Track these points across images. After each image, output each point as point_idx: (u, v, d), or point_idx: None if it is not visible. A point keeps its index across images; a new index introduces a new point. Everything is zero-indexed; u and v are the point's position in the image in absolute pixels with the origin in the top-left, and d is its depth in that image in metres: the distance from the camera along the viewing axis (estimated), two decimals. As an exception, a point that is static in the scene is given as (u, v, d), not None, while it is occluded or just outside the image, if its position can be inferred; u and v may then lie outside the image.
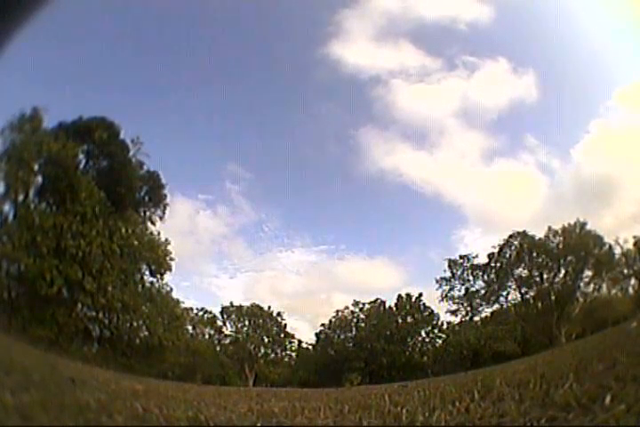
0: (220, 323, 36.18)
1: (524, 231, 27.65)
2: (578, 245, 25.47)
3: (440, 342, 42.65)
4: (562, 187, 39.59)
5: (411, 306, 44.19)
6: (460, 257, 29.85)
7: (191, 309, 35.71)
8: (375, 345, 42.12)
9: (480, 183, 41.45)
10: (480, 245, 41.44)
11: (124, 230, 21.46)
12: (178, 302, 25.92)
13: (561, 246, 26.03)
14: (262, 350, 36.88)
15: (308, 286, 44.66)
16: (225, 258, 47.22)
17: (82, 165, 22.28)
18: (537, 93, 38.49)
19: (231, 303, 37.28)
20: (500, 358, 35.06)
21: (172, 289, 24.11)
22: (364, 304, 45.33)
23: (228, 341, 35.27)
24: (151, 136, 37.29)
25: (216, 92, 39.73)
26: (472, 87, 41.55)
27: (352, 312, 45.18)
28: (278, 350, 38.00)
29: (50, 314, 18.55)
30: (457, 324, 37.34)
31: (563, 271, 25.99)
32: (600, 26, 33.32)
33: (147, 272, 23.04)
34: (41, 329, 18.48)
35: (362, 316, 45.03)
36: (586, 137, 36.59)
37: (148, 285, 22.89)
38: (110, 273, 19.71)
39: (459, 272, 29.55)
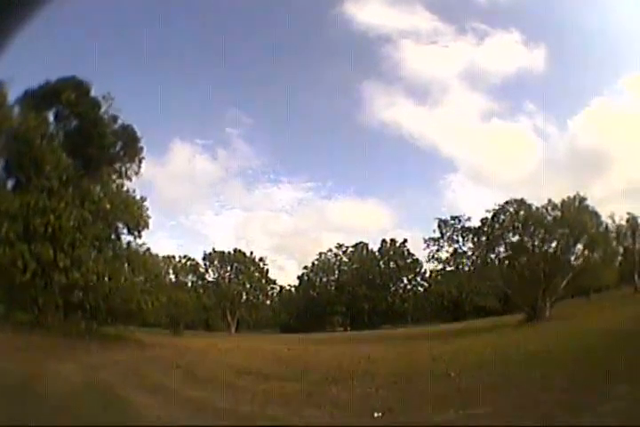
0: (202, 270, 36.00)
1: (522, 199, 26.77)
2: (574, 222, 24.76)
3: (422, 290, 43.01)
4: (556, 152, 40.60)
5: (394, 252, 44.23)
6: (452, 218, 28.88)
7: (173, 257, 36.02)
8: (357, 290, 42.32)
9: (475, 139, 43.97)
10: (470, 196, 41.79)
11: (95, 195, 20.47)
12: (156, 259, 25.28)
13: (558, 220, 25.33)
14: (244, 296, 36.70)
15: (296, 224, 44.79)
16: (214, 197, 47.77)
17: (51, 128, 20.71)
18: (544, 66, 38.96)
19: (214, 249, 37.43)
20: (480, 313, 35.46)
21: (148, 249, 23.41)
22: (347, 247, 45.43)
23: (210, 288, 35.03)
24: (151, 84, 36.65)
25: (224, 41, 40.69)
26: (480, 53, 42.50)
27: (335, 255, 45.26)
28: (260, 296, 37.85)
29: (29, 298, 17.79)
30: (440, 273, 36.89)
31: (555, 243, 25.43)
32: (621, 11, 31.79)
33: (125, 230, 22.21)
34: (23, 314, 17.94)
35: (345, 259, 45.16)
36: (585, 111, 38.42)
37: (124, 246, 22.08)
38: (83, 243, 18.67)
39: (448, 233, 28.70)
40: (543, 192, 32.40)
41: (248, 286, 36.90)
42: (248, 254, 37.87)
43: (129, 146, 22.27)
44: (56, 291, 17.95)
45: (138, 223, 22.22)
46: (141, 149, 23.00)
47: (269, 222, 44.46)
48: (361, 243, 44.99)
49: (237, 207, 49.27)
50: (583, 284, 27.51)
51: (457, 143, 43.95)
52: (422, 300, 41.93)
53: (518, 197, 26.36)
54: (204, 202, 48.03)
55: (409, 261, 43.51)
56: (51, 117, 21.12)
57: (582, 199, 26.21)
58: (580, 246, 25.97)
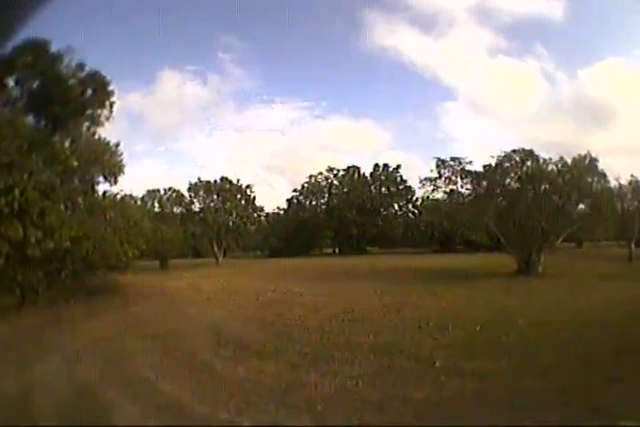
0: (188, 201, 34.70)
1: (531, 150, 24.87)
2: (581, 182, 23.37)
3: (413, 217, 42.41)
4: (561, 96, 38.78)
5: (387, 177, 43.24)
6: (452, 159, 27.11)
7: (158, 190, 34.68)
8: (346, 215, 41.65)
9: (478, 72, 43.48)
10: (468, 124, 40.41)
11: (63, 153, 18.50)
12: (135, 204, 24.26)
13: (564, 174, 23.88)
14: (230, 225, 35.76)
15: (289, 143, 43.57)
16: (205, 121, 46.38)
17: (15, 94, 18.30)
18: (562, 16, 38.54)
19: (199, 179, 35.62)
20: (470, 247, 35.15)
21: (126, 195, 22.24)
22: (338, 171, 44.31)
23: (196, 218, 33.92)
24: (141, 11, 34.47)
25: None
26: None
27: (326, 178, 44.21)
28: (247, 223, 36.91)
29: (8, 279, 16.70)
30: (433, 203, 35.86)
31: (557, 198, 24.12)
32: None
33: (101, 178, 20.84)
34: (7, 297, 16.93)
35: (335, 182, 44.11)
36: (598, 65, 38.48)
37: (100, 197, 20.78)
38: (53, 209, 17.14)
39: (447, 173, 27.16)
40: (543, 133, 31.15)
41: (234, 214, 35.80)
42: (235, 182, 36.21)
43: (98, 92, 20.03)
44: (33, 265, 16.81)
45: (112, 172, 20.77)
46: (112, 92, 20.91)
47: (261, 142, 43.07)
48: (353, 167, 43.99)
49: (229, 128, 47.61)
50: (578, 236, 27.09)
51: (459, 74, 42.43)
52: (412, 228, 41.43)
53: (517, 131, 24.92)
54: (195, 126, 46.59)
55: (401, 187, 42.76)
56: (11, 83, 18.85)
57: (593, 159, 24.59)
58: (582, 206, 24.83)
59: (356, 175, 43.81)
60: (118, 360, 14.27)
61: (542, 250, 24.03)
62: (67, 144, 19.48)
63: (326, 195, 43.85)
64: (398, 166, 42.97)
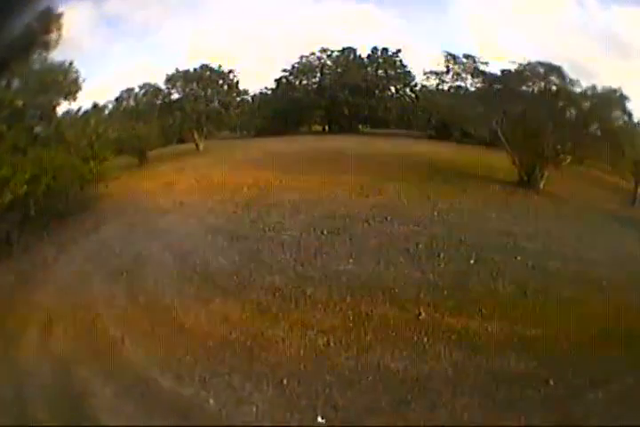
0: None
1: (559, 67, 21.95)
2: (606, 115, 21.58)
3: (410, 101, 39.46)
4: (590, 21, 32.52)
5: (385, 60, 39.44)
6: (465, 56, 24.37)
7: (132, 89, 32.12)
8: (338, 95, 39.11)
9: None
10: (479, 22, 35.39)
11: (8, 98, 18.08)
12: (98, 121, 23.14)
13: (593, 103, 21.55)
14: (211, 111, 33.87)
15: (281, 27, 38.62)
16: (189, 11, 41.09)
17: None
18: None
19: (177, 69, 32.46)
20: (466, 139, 33.34)
21: (94, 106, 21.55)
22: (332, 51, 40.08)
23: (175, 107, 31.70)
24: None
25: None
26: None
27: (318, 58, 40.25)
28: (229, 108, 34.92)
29: None
30: (434, 91, 33.34)
31: (575, 120, 21.99)
32: None
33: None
34: None
35: (328, 63, 40.28)
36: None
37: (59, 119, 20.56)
38: (4, 159, 16.69)
39: (456, 69, 24.56)
40: (567, 54, 27.80)
41: (215, 101, 33.81)
42: (216, 68, 33.49)
43: (43, 19, 19.04)
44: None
45: (69, 91, 20.98)
46: (60, 15, 19.94)
47: (253, 29, 38.20)
48: (348, 48, 39.79)
49: (216, 17, 42.25)
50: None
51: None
52: (408, 112, 39.18)
53: (536, 44, 21.88)
54: (182, 18, 40.92)
55: (399, 71, 39.24)
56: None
57: (623, 96, 22.20)
58: (598, 133, 22.91)
59: (352, 56, 40.08)
60: (85, 319, 13.40)
61: (548, 166, 22.94)
62: (15, 84, 18.82)
63: (318, 75, 40.43)
64: (398, 51, 38.99)
